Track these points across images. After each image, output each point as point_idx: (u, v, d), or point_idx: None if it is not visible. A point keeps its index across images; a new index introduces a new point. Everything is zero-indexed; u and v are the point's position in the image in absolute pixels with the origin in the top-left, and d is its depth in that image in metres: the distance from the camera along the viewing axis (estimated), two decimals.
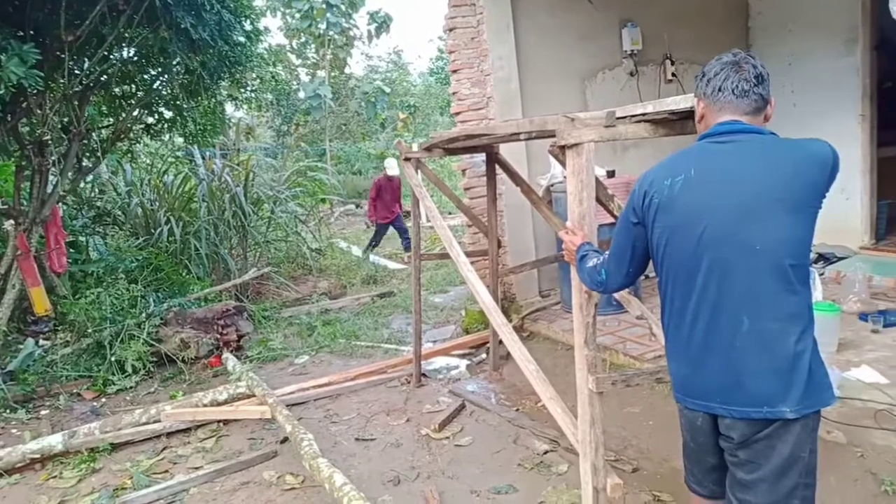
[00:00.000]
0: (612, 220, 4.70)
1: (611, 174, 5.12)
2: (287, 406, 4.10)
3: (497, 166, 4.41)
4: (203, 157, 7.93)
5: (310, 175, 9.38)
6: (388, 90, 20.25)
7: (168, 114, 6.58)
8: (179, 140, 9.05)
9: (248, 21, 6.02)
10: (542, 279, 5.68)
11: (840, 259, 5.70)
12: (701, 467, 1.94)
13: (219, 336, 5.30)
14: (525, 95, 5.31)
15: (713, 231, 1.66)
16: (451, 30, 5.16)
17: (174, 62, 5.74)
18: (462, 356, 5.10)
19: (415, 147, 4.24)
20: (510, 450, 3.52)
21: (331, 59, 19.01)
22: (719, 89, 1.73)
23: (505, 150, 4.46)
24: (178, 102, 6.23)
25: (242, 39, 5.78)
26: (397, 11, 32.93)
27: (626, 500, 2.91)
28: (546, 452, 3.42)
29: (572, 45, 5.56)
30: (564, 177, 5.24)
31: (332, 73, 19.50)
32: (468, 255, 4.84)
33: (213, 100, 6.67)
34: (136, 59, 5.80)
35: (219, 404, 4.21)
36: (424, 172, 4.44)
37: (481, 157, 5.32)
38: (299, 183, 8.83)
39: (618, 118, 2.35)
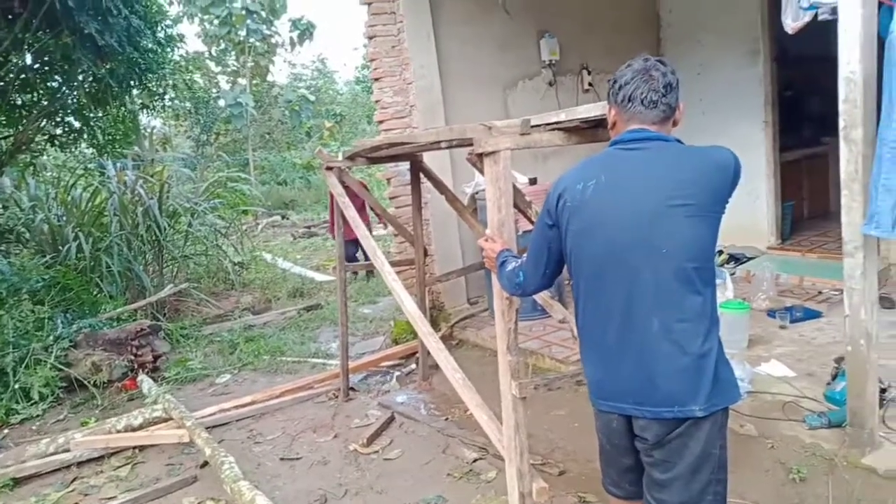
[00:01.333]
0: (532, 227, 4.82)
1: (533, 181, 5.20)
2: (207, 428, 3.92)
3: (422, 175, 4.40)
4: (115, 169, 7.54)
5: (230, 186, 9.08)
6: (312, 98, 19.98)
7: (75, 124, 6.22)
8: (89, 151, 8.61)
9: (160, 27, 5.77)
10: (469, 287, 5.70)
11: (750, 259, 6.00)
12: (617, 469, 1.97)
13: (133, 357, 5.03)
14: (448, 103, 5.33)
15: (622, 235, 1.71)
16: (371, 38, 5.13)
17: (79, 70, 5.44)
18: (391, 367, 5.04)
19: (341, 156, 4.18)
20: (439, 460, 3.49)
21: (252, 67, 18.58)
22: (629, 99, 1.77)
23: (430, 159, 4.45)
24: (84, 112, 5.90)
25: (153, 46, 5.53)
26: (321, 19, 32.60)
27: (554, 503, 2.94)
28: (475, 461, 3.41)
29: (493, 54, 5.63)
30: None
31: (254, 81, 19.06)
32: (395, 264, 4.81)
33: (124, 109, 6.35)
34: (37, 66, 5.46)
35: (134, 430, 3.97)
36: (348, 182, 4.37)
37: (406, 165, 5.31)
38: (219, 194, 8.52)
39: (533, 126, 2.39)
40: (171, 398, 4.25)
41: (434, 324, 5.41)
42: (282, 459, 3.67)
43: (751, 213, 6.16)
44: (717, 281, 4.72)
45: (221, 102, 17.67)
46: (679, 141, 1.79)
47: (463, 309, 5.61)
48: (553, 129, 2.46)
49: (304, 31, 18.94)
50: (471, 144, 2.43)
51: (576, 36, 6.02)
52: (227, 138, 19.46)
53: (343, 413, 4.26)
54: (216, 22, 17.34)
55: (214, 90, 18.88)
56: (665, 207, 1.67)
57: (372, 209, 5.02)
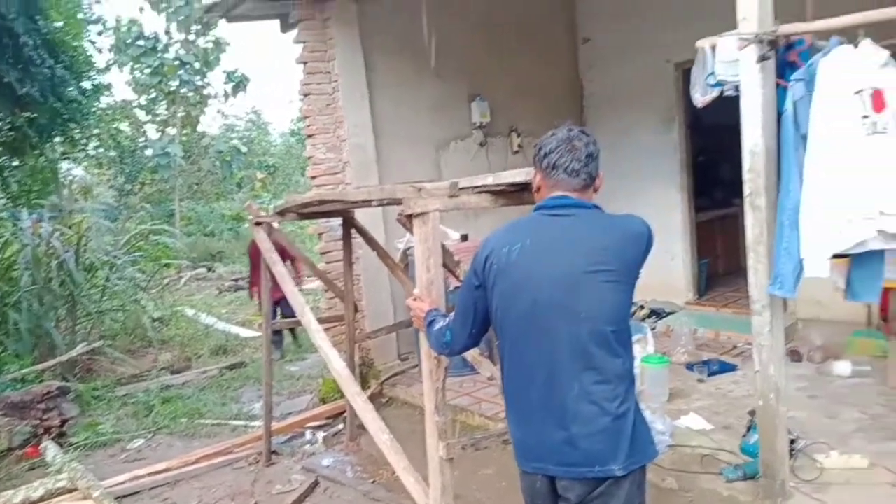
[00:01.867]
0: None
1: (464, 238, 5.29)
2: (117, 499, 3.68)
3: (353, 231, 4.40)
4: (29, 220, 7.16)
5: (153, 239, 8.77)
6: (244, 149, 19.75)
7: None
8: (1, 201, 8.17)
9: (86, 77, 5.63)
10: (401, 343, 5.66)
11: (669, 314, 6.24)
12: None
13: (38, 422, 4.68)
14: (381, 161, 5.41)
15: (543, 299, 1.76)
16: (306, 95, 5.18)
17: None
18: (318, 428, 4.89)
19: (272, 210, 4.14)
20: None
21: (183, 117, 18.26)
22: (553, 166, 1.85)
23: (362, 214, 4.45)
24: None
25: (77, 96, 5.38)
26: (255, 71, 32.66)
27: None
28: None
29: (426, 115, 5.79)
30: None
31: (184, 131, 18.70)
32: (324, 321, 4.74)
33: (43, 158, 6.10)
34: None
35: (33, 503, 3.67)
36: (277, 238, 4.31)
37: (338, 221, 5.30)
38: (140, 247, 8.22)
39: (461, 188, 2.46)
40: (77, 466, 3.97)
41: (364, 381, 5.32)
42: None
43: (669, 270, 6.44)
44: (639, 336, 4.91)
45: (149, 152, 17.21)
46: (598, 208, 1.88)
47: (394, 365, 5.55)
48: (481, 192, 2.56)
49: (239, 83, 18.85)
50: (401, 203, 2.48)
51: (506, 100, 6.27)
52: (152, 188, 18.87)
53: (264, 479, 4.09)
54: (147, 72, 17.04)
55: (142, 139, 18.40)
56: (584, 273, 1.74)
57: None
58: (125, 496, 3.84)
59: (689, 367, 4.87)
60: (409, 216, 2.37)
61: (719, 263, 7.11)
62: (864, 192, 2.49)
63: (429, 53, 4.68)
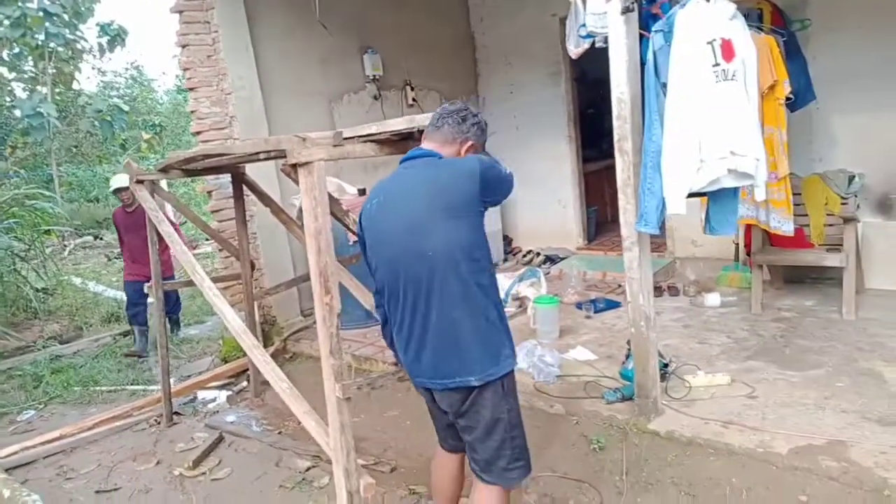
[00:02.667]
0: None
1: (361, 192, 5.32)
2: (7, 470, 3.54)
3: (245, 187, 4.33)
4: None
5: (29, 204, 8.16)
6: (126, 108, 18.43)
7: None
8: None
9: None
10: (303, 298, 5.66)
11: (562, 259, 6.60)
12: (439, 426, 2.36)
13: None
14: (271, 115, 5.28)
15: (397, 246, 2.02)
16: (184, 46, 4.94)
17: None
18: (221, 387, 4.86)
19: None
20: (272, 473, 3.45)
21: (54, 74, 16.77)
22: (429, 122, 2.15)
23: (254, 171, 4.38)
24: None
25: None
26: (134, 24, 30.33)
27: (385, 499, 3.06)
28: (308, 469, 3.42)
29: (315, 67, 5.68)
30: None
31: (57, 90, 17.22)
32: (220, 279, 4.68)
33: None
34: None
35: None
36: (161, 195, 4.17)
37: (228, 178, 5.17)
38: (14, 213, 7.63)
39: (346, 138, 2.51)
40: None
41: (266, 338, 5.31)
42: (97, 492, 3.43)
43: (561, 218, 6.78)
44: (533, 279, 5.17)
45: (17, 112, 15.74)
46: (443, 158, 2.10)
47: (296, 322, 5.56)
48: (366, 141, 2.62)
49: (115, 36, 17.45)
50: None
51: (398, 53, 6.26)
52: (25, 152, 17.34)
53: (166, 439, 4.05)
54: (7, 23, 15.44)
55: (8, 98, 16.78)
56: (425, 215, 1.96)
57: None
58: (16, 467, 3.70)
59: (579, 305, 5.21)
60: (294, 166, 2.38)
61: (608, 211, 7.52)
62: (716, 134, 2.75)
63: (313, 4, 4.58)
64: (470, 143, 2.13)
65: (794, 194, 4.17)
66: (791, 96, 3.70)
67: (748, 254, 4.70)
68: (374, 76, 6.06)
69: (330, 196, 2.72)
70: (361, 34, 5.98)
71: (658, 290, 5.38)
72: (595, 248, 6.72)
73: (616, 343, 4.31)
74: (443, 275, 1.95)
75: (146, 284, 4.42)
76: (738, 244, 5.27)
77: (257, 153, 3.01)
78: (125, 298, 6.18)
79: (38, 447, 3.91)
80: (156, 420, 4.28)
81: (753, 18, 4.08)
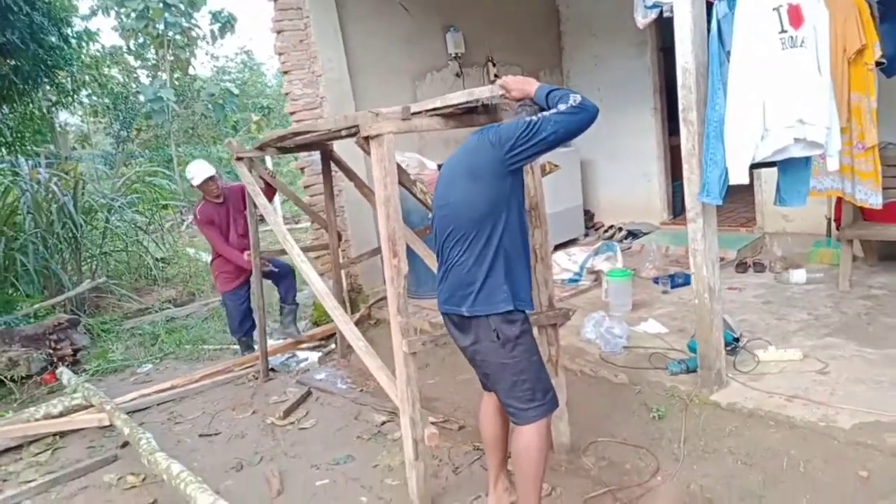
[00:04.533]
0: None
1: (440, 167, 5.50)
2: (128, 413, 4.06)
3: (332, 163, 4.61)
4: (27, 167, 7.41)
5: (148, 181, 9.01)
6: (236, 91, 19.63)
7: None
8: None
9: (66, 24, 5.74)
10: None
11: (645, 234, 6.52)
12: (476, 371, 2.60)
13: (52, 351, 5.07)
14: (358, 95, 5.56)
15: (439, 198, 2.43)
16: (279, 32, 5.29)
17: None
18: (313, 349, 5.26)
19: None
20: (351, 426, 3.76)
21: (172, 61, 18.12)
22: None
23: (344, 149, 4.64)
24: None
25: (59, 42, 5.51)
26: (243, 11, 31.88)
27: (451, 453, 3.28)
28: (384, 423, 3.70)
29: (400, 47, 5.90)
30: None
31: (175, 75, 18.60)
32: (310, 249, 5.04)
33: (31, 105, 6.27)
34: None
35: (53, 418, 4.07)
36: (259, 172, 4.54)
37: (318, 155, 5.51)
38: (136, 189, 8.47)
39: (413, 113, 2.68)
40: (89, 386, 4.36)
41: (353, 305, 5.66)
42: (200, 436, 3.86)
43: (645, 192, 6.68)
44: (609, 253, 5.20)
45: (141, 97, 17.17)
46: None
47: (381, 290, 5.85)
48: (433, 115, 2.78)
49: (226, 23, 18.58)
50: None
51: (480, 30, 6.35)
52: (148, 134, 18.91)
53: (262, 392, 4.48)
54: (133, 16, 16.82)
55: (134, 85, 18.32)
56: (456, 174, 2.37)
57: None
58: (135, 411, 4.23)
59: (656, 280, 5.17)
60: (367, 138, 2.61)
61: None
62: (782, 102, 2.70)
63: None
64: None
65: (888, 165, 3.95)
66: (883, 60, 3.49)
67: (838, 228, 4.49)
68: (457, 54, 6.20)
69: (399, 167, 2.91)
70: (444, 13, 6.12)
71: (743, 266, 5.25)
72: (679, 222, 6.56)
73: (689, 317, 4.25)
74: (465, 227, 2.27)
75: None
76: (829, 218, 5.02)
77: (339, 130, 3.24)
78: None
79: (153, 395, 4.44)
80: (254, 375, 4.72)
81: None
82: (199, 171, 4.85)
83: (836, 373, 3.23)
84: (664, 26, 3.78)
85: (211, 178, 4.87)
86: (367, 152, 2.73)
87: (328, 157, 4.57)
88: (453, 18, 6.18)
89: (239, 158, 4.32)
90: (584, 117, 2.23)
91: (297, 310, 5.29)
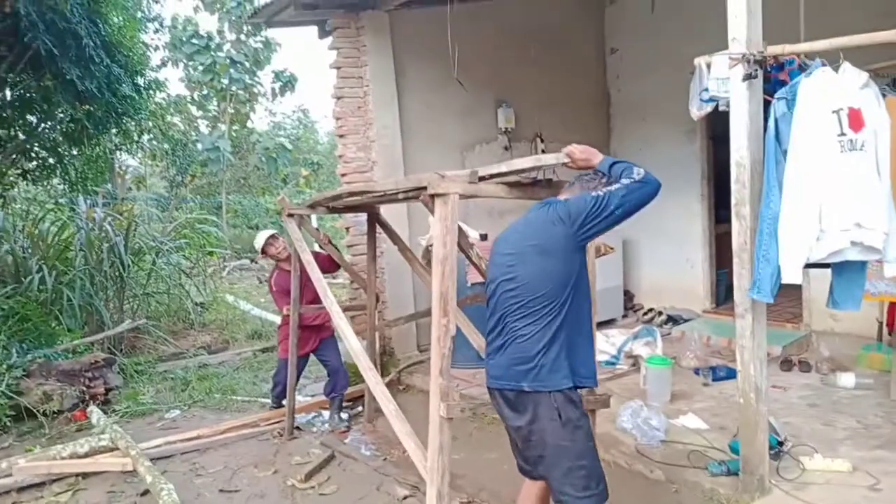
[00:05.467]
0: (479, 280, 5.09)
1: (483, 237, 5.54)
2: (151, 459, 4.04)
3: (378, 226, 4.65)
4: (85, 206, 7.72)
5: (198, 227, 9.28)
6: (290, 147, 20.35)
7: (49, 160, 6.42)
8: (61, 187, 8.79)
9: (139, 75, 6.10)
10: (420, 335, 5.95)
11: (686, 321, 6.37)
12: (515, 448, 2.56)
13: (85, 389, 5.13)
14: (408, 162, 5.70)
15: (499, 268, 2.43)
16: (339, 98, 5.51)
17: (58, 110, 5.71)
18: (351, 406, 5.20)
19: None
20: (373, 496, 3.66)
21: (232, 114, 18.98)
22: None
23: (387, 212, 4.73)
24: (59, 149, 6.13)
25: (131, 93, 5.84)
26: (303, 71, 33.38)
27: None
28: (406, 497, 3.59)
29: (453, 119, 6.07)
30: None
31: (234, 127, 19.43)
32: (348, 309, 5.04)
33: (98, 148, 6.59)
34: (16, 103, 5.71)
35: (79, 457, 4.08)
36: (307, 229, 4.58)
37: (364, 216, 5.61)
38: (186, 235, 8.72)
39: (480, 178, 2.70)
40: (117, 428, 4.37)
41: (384, 369, 5.62)
42: (221, 491, 3.81)
43: (688, 278, 6.57)
44: (648, 339, 5.09)
45: (199, 146, 17.94)
46: (562, 202, 2.41)
47: (413, 356, 5.84)
48: (498, 183, 2.84)
49: (287, 83, 19.49)
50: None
51: (532, 107, 6.51)
52: (202, 181, 19.64)
53: (285, 451, 4.42)
54: (200, 69, 17.80)
55: (193, 133, 19.18)
56: (525, 248, 2.36)
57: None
58: (159, 458, 4.21)
59: (697, 371, 5.01)
60: (433, 196, 2.64)
61: None
62: (839, 205, 2.66)
63: (452, 62, 4.95)
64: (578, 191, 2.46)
65: None
66: None
67: (890, 333, 4.31)
68: (507, 128, 6.34)
69: (460, 229, 2.91)
70: (497, 89, 6.31)
71: (787, 364, 5.06)
72: (723, 312, 6.41)
73: (732, 415, 4.10)
74: (527, 299, 2.28)
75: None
76: (881, 322, 4.83)
77: (396, 193, 3.25)
78: (270, 319, 5.91)
79: (178, 443, 4.42)
80: (279, 432, 4.67)
81: None
82: (261, 237, 4.97)
83: (889, 490, 3.04)
84: (715, 115, 3.81)
85: (272, 237, 4.97)
86: (430, 209, 2.72)
87: (374, 220, 4.64)
88: (506, 94, 6.35)
89: (290, 215, 4.40)
90: (647, 191, 2.29)
91: (341, 400, 5.02)
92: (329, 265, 4.86)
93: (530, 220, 2.44)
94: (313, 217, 8.09)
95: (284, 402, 4.87)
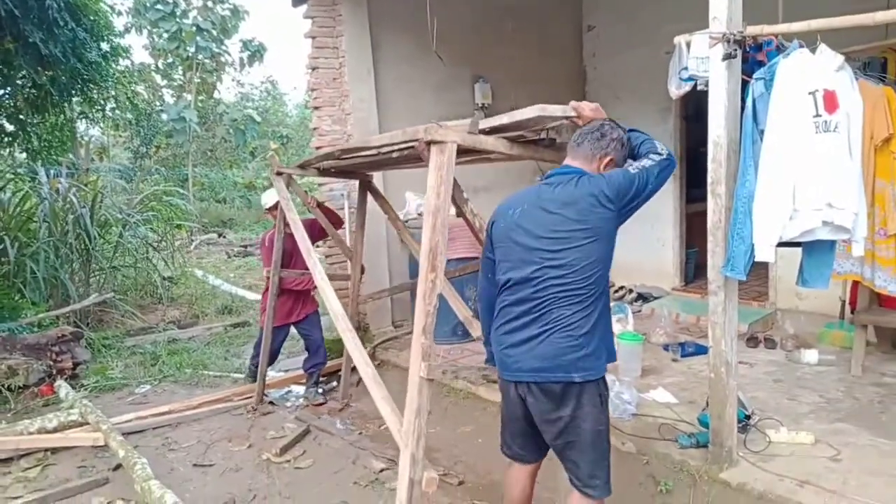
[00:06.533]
0: (459, 255, 5.09)
1: (458, 214, 5.53)
2: (123, 434, 4.00)
3: (370, 194, 4.55)
4: (47, 176, 7.47)
5: (165, 199, 9.08)
6: (258, 119, 19.97)
7: (9, 127, 6.18)
8: (21, 156, 8.49)
9: (106, 40, 5.89)
10: (395, 310, 5.95)
11: (656, 298, 6.49)
12: (513, 431, 2.48)
13: (52, 363, 5.02)
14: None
15: (530, 251, 2.24)
16: (313, 69, 5.41)
17: (20, 75, 5.49)
18: (325, 380, 5.19)
19: None
20: (348, 470, 3.69)
21: (199, 84, 18.49)
22: (571, 140, 2.36)
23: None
24: (21, 116, 5.90)
25: (97, 58, 5.63)
26: (273, 42, 32.66)
27: None
28: (382, 471, 3.63)
29: (429, 93, 6.00)
30: (418, 213, 5.58)
31: (200, 98, 18.95)
32: (332, 277, 4.88)
33: (62, 116, 6.37)
34: None
35: (48, 432, 4.01)
36: (295, 190, 4.41)
37: (340, 189, 5.55)
38: (153, 207, 8.53)
39: (481, 130, 2.63)
40: (87, 402, 4.30)
41: None
42: (195, 465, 3.79)
43: (658, 257, 6.67)
44: (619, 315, 5.17)
45: (164, 116, 17.47)
46: (584, 174, 2.28)
47: (387, 331, 5.84)
48: (499, 137, 2.73)
49: (255, 52, 19.06)
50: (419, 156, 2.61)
51: (508, 83, 6.47)
52: (167, 152, 19.17)
53: (259, 425, 4.41)
54: (165, 36, 17.26)
55: (158, 103, 18.66)
56: (557, 227, 2.20)
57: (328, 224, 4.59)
58: (130, 433, 4.16)
59: (666, 347, 5.11)
60: (429, 143, 2.52)
61: None
62: (812, 185, 2.71)
63: (431, 35, 4.88)
64: (609, 157, 2.32)
65: None
66: None
67: (853, 312, 4.45)
68: (483, 104, 6.30)
69: (456, 182, 2.71)
70: (474, 64, 6.25)
71: (754, 341, 5.20)
72: (692, 290, 6.55)
73: (700, 389, 4.21)
74: (575, 284, 2.16)
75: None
76: (844, 301, 4.99)
77: (391, 150, 3.13)
78: (240, 294, 5.96)
79: (150, 418, 4.38)
80: (253, 407, 4.65)
81: (875, 68, 3.93)
82: (273, 195, 4.80)
83: (848, 461, 3.16)
84: (689, 96, 3.84)
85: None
86: (425, 158, 2.57)
87: (366, 187, 4.57)
88: (483, 70, 6.30)
89: (279, 173, 4.30)
90: (671, 169, 2.32)
91: (318, 375, 5.02)
92: (320, 234, 4.81)
93: (558, 195, 2.24)
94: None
95: (257, 368, 4.85)
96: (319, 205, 4.71)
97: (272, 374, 5.04)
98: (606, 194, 2.19)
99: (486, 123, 2.62)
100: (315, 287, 4.40)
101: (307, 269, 4.06)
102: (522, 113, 2.50)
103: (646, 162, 2.28)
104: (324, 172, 4.30)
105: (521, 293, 2.24)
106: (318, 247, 8.25)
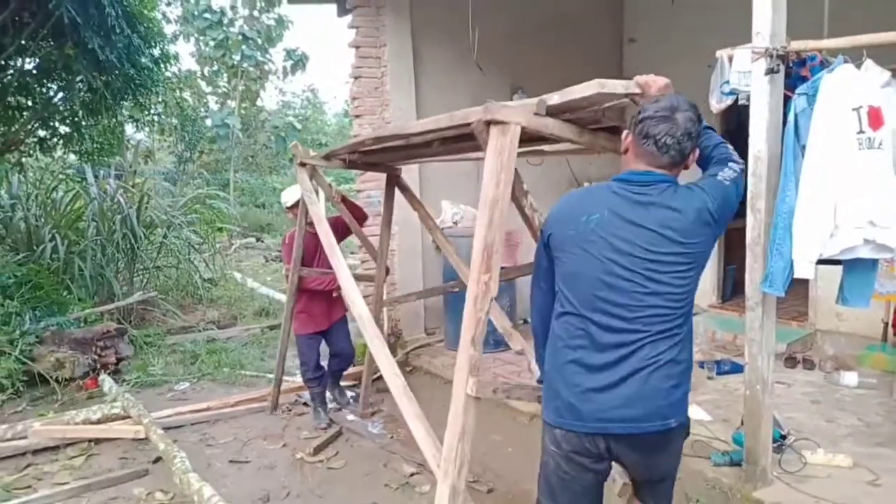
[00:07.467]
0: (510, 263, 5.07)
1: (518, 208, 5.53)
2: (163, 428, 4.12)
3: (399, 190, 4.25)
4: (96, 177, 7.76)
5: (209, 203, 9.33)
6: (299, 126, 20.36)
7: (64, 129, 6.46)
8: (72, 158, 8.84)
9: (158, 47, 6.13)
10: (428, 317, 5.99)
11: (692, 315, 6.39)
12: (574, 490, 2.02)
13: (96, 357, 5.21)
14: None
15: (613, 270, 1.81)
16: (356, 78, 5.52)
17: (77, 79, 5.74)
18: (348, 387, 5.27)
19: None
20: (379, 472, 3.74)
21: (242, 91, 18.96)
22: (645, 136, 1.82)
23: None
24: (76, 119, 6.17)
25: (150, 64, 5.86)
26: (315, 51, 33.26)
27: None
28: (412, 475, 3.67)
29: (467, 103, 5.94)
30: (454, 222, 5.62)
31: (243, 105, 19.42)
32: (356, 277, 4.82)
33: (114, 119, 6.63)
34: (35, 71, 5.74)
35: (92, 423, 4.16)
36: (318, 182, 4.21)
37: (378, 195, 5.61)
38: (197, 210, 8.77)
39: (549, 105, 2.22)
40: (130, 397, 4.45)
41: (391, 350, 5.65)
42: (231, 462, 3.89)
43: None
44: None
45: (208, 122, 17.95)
46: (674, 183, 1.86)
47: (420, 338, 5.89)
48: (566, 120, 2.34)
49: (298, 61, 19.45)
50: (457, 153, 2.39)
51: (546, 94, 6.48)
52: (210, 157, 19.68)
53: (294, 425, 4.50)
54: (212, 44, 17.76)
55: (203, 109, 19.19)
56: (654, 252, 1.80)
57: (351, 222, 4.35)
58: (169, 428, 4.29)
59: (701, 364, 5.05)
60: (489, 124, 2.15)
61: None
62: (854, 202, 2.68)
63: (472, 45, 4.95)
64: (693, 154, 1.94)
65: None
66: None
67: (895, 334, 4.34)
68: None
69: (516, 171, 2.27)
70: (514, 75, 6.29)
71: (792, 361, 5.10)
72: (729, 307, 6.45)
73: (734, 407, 4.15)
74: (674, 315, 1.83)
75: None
76: (887, 323, 4.86)
77: (432, 139, 2.90)
78: (277, 297, 5.76)
79: (188, 414, 4.50)
80: (288, 407, 4.74)
81: None
82: (293, 192, 4.59)
83: (887, 487, 3.08)
84: (730, 110, 3.81)
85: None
86: (483, 141, 2.20)
87: (394, 183, 4.26)
88: (522, 80, 6.34)
89: (302, 164, 4.07)
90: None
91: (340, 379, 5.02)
92: (344, 231, 4.52)
93: (657, 213, 1.80)
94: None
95: (321, 388, 4.66)
96: (344, 198, 4.47)
97: (288, 380, 5.07)
98: (710, 210, 1.82)
99: (562, 97, 2.18)
100: (337, 287, 4.14)
101: (331, 268, 3.76)
102: (577, 91, 2.09)
103: (730, 173, 1.93)
104: (350, 164, 3.97)
105: (606, 321, 1.81)
106: (352, 253, 8.32)
